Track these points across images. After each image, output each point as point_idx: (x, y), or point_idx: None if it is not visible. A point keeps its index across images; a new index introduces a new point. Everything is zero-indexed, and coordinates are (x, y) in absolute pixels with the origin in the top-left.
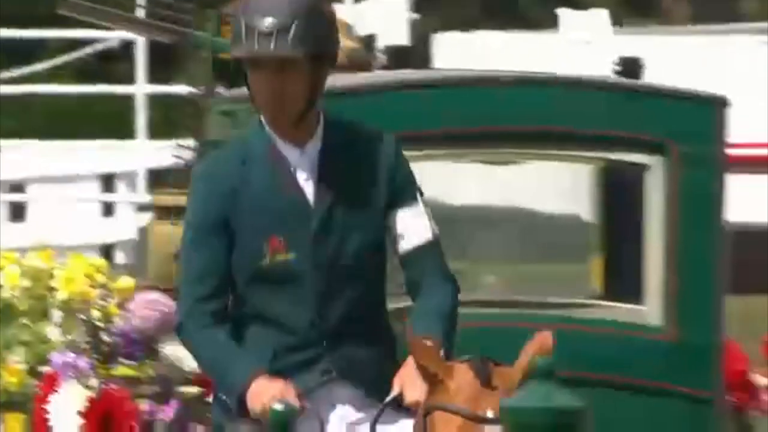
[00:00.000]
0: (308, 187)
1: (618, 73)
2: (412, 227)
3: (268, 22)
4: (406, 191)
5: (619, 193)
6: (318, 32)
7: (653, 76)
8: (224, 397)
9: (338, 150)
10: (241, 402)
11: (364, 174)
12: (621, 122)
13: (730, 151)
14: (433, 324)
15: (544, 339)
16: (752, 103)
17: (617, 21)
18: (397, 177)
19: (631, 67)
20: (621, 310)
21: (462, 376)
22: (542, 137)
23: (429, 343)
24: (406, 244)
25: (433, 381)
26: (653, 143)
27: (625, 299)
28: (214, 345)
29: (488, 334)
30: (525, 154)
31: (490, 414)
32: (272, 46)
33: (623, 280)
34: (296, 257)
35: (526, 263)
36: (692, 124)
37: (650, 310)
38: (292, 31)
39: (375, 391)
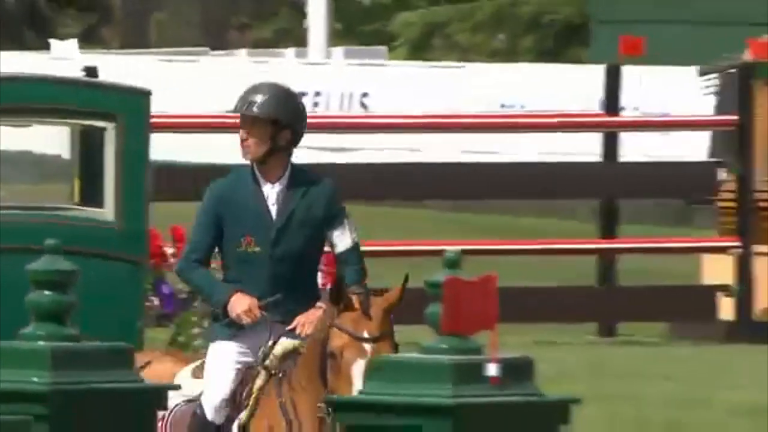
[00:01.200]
0: (273, 208)
1: (86, 75)
2: (340, 240)
3: (246, 95)
4: (336, 218)
5: (93, 143)
6: (276, 108)
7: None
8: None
9: (295, 188)
10: (225, 309)
11: (310, 205)
12: (90, 102)
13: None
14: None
15: (397, 291)
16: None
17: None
18: (332, 209)
19: (91, 72)
20: (92, 212)
21: (351, 308)
22: (37, 111)
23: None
24: (338, 249)
25: (339, 310)
26: (109, 115)
27: (94, 205)
28: (203, 276)
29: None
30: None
31: (365, 334)
32: (239, 107)
33: (93, 194)
34: (260, 251)
35: None
36: (130, 105)
37: (107, 212)
38: (257, 102)
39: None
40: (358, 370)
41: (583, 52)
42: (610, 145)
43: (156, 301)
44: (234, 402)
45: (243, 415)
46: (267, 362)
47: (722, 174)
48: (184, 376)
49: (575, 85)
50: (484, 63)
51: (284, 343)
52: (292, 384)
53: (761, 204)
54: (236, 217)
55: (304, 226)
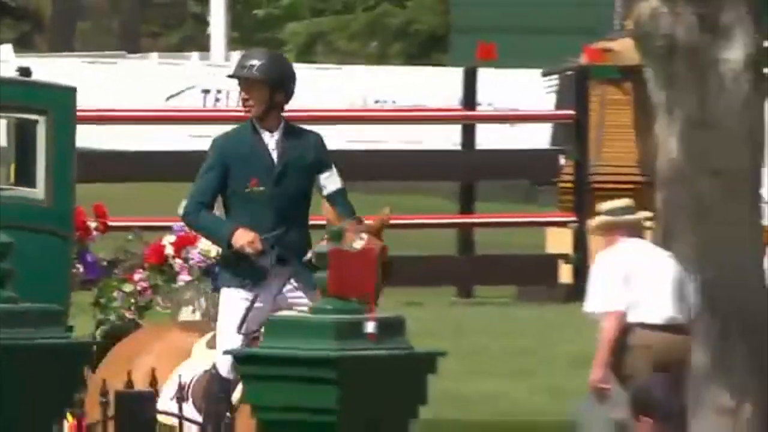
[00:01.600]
0: (273, 153)
1: (20, 75)
2: (329, 182)
3: (243, 60)
4: (324, 163)
5: (27, 133)
6: (269, 69)
7: None
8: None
9: (289, 137)
10: (229, 244)
11: (303, 151)
12: (25, 98)
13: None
14: (345, 213)
15: (386, 215)
16: None
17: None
18: (320, 156)
19: (25, 72)
20: (26, 192)
21: (349, 223)
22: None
23: (332, 215)
24: (326, 191)
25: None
26: (40, 109)
27: (28, 186)
28: (206, 218)
29: None
30: None
31: (363, 233)
32: (239, 71)
33: (27, 177)
34: (264, 190)
35: None
36: (59, 101)
37: (39, 191)
38: (262, 64)
39: (299, 258)
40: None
41: (444, 57)
42: (468, 136)
43: (81, 269)
44: None
45: None
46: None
47: (562, 160)
48: (200, 348)
49: (438, 85)
50: (360, 66)
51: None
52: None
53: (594, 185)
54: (242, 163)
55: (299, 169)
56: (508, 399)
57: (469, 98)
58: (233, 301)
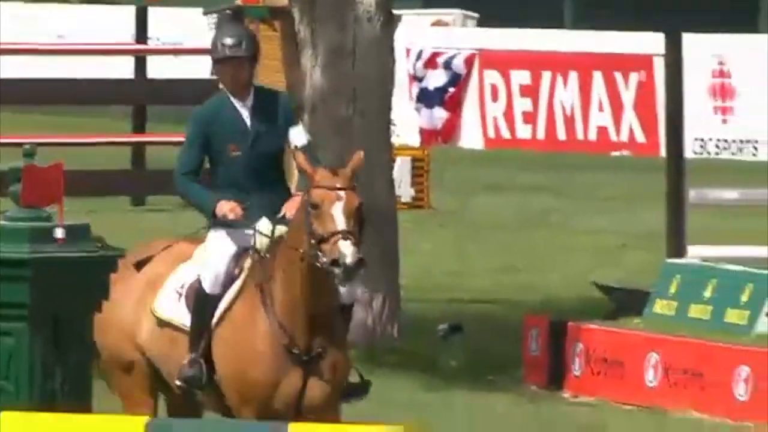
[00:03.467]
0: (247, 120)
1: None
2: (297, 138)
3: (230, 41)
4: (293, 120)
5: None
6: (252, 44)
7: None
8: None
9: (260, 102)
10: (214, 214)
11: (273, 113)
12: None
13: None
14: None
15: (359, 156)
16: None
17: None
18: (288, 114)
19: None
20: None
21: (323, 172)
22: None
23: (302, 159)
24: (296, 143)
25: (308, 176)
26: None
27: None
28: (194, 190)
29: None
30: None
31: (338, 184)
32: (234, 52)
33: None
34: (241, 154)
35: None
36: None
37: None
38: (245, 43)
39: (276, 213)
40: (337, 210)
41: None
42: (140, 66)
43: None
44: (229, 278)
45: (229, 294)
46: (257, 244)
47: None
48: (199, 252)
49: (114, 23)
50: (51, 4)
51: (271, 227)
52: (272, 273)
53: None
54: (220, 132)
55: (272, 130)
56: None
57: (141, 34)
58: (221, 233)
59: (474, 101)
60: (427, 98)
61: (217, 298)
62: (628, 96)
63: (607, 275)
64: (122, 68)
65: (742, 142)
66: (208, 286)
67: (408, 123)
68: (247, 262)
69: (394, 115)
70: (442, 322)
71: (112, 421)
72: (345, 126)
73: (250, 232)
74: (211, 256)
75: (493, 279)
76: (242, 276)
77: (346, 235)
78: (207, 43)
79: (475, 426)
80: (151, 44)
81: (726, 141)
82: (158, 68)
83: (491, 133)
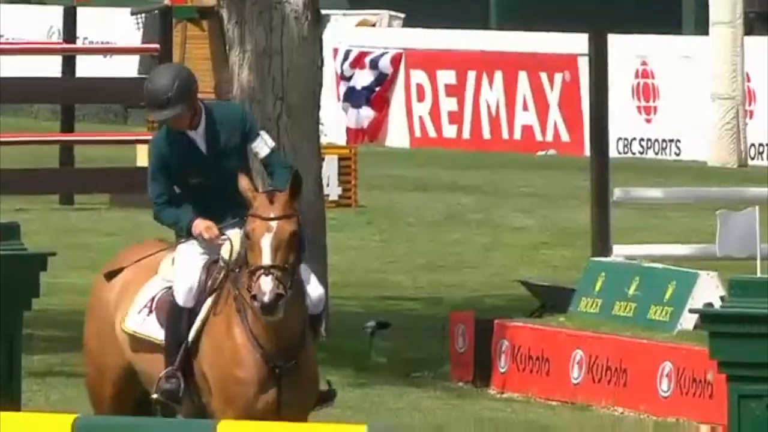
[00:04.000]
0: (202, 146)
1: None
2: (260, 148)
3: (157, 101)
4: (251, 132)
5: None
6: (186, 90)
7: None
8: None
9: (212, 123)
10: (189, 232)
11: (229, 131)
12: None
13: None
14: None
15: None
16: None
17: None
18: (246, 126)
19: None
20: None
21: (261, 198)
22: None
23: (246, 184)
24: (260, 156)
25: (249, 202)
26: None
27: None
28: (171, 213)
29: None
30: None
31: (272, 214)
32: (165, 111)
33: None
34: (202, 180)
35: None
36: None
37: None
38: (173, 98)
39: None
40: (265, 241)
41: None
42: (69, 65)
43: None
44: (201, 290)
45: (205, 308)
46: (226, 257)
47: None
48: (166, 264)
49: (41, 22)
50: None
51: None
52: (243, 286)
53: None
54: (176, 161)
55: (230, 150)
56: None
57: (69, 33)
58: (191, 246)
59: (400, 101)
60: (353, 98)
61: (191, 311)
62: (553, 96)
63: (533, 273)
64: (50, 67)
65: (665, 141)
66: (181, 300)
67: (335, 122)
68: (221, 273)
69: (322, 115)
70: (369, 319)
71: (41, 419)
72: (273, 125)
73: (222, 242)
74: (183, 269)
75: (419, 276)
76: (215, 287)
77: (268, 270)
78: (135, 43)
79: (402, 422)
80: (80, 43)
81: (649, 140)
82: (87, 67)
83: (417, 133)
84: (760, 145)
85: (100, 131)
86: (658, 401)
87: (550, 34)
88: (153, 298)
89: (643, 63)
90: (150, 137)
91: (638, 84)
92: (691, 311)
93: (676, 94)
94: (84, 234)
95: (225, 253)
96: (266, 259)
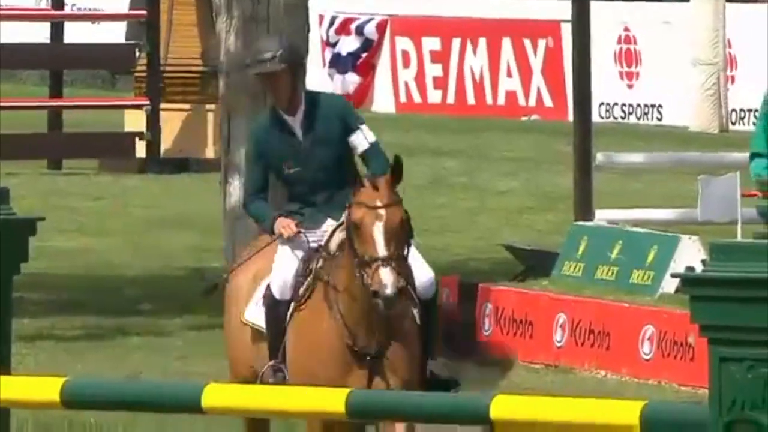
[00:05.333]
0: (298, 134)
1: None
2: (359, 142)
3: (264, 55)
4: (351, 125)
5: None
6: (294, 53)
7: None
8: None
9: (313, 111)
10: (272, 230)
11: (328, 121)
12: None
13: None
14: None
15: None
16: None
17: None
18: (346, 119)
19: None
20: None
21: (366, 187)
22: None
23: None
24: (359, 150)
25: (356, 191)
26: None
27: None
28: (257, 208)
29: None
30: None
31: (378, 202)
32: (269, 65)
33: None
34: (299, 169)
35: None
36: None
37: None
38: (279, 56)
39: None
40: (378, 231)
41: None
42: (57, 32)
43: None
44: (299, 282)
45: (298, 295)
46: (325, 244)
47: (137, 53)
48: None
49: None
50: None
51: (337, 234)
52: (338, 273)
53: (165, 74)
54: (274, 149)
55: (327, 140)
56: (95, 254)
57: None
58: (288, 244)
59: (386, 66)
60: (339, 64)
61: (287, 303)
62: (536, 61)
63: (517, 237)
64: (39, 33)
65: (647, 106)
66: (277, 293)
67: (321, 88)
68: (319, 263)
69: (308, 81)
70: None
71: (30, 383)
72: (260, 92)
73: (316, 236)
74: (280, 261)
75: None
76: (310, 277)
77: (386, 261)
78: (123, 9)
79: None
80: (68, 10)
81: (632, 106)
82: (75, 34)
83: (403, 98)
84: (741, 110)
85: (88, 97)
86: (640, 364)
87: (533, 0)
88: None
89: (626, 29)
90: (138, 102)
91: (620, 50)
92: (673, 275)
93: (658, 59)
94: (72, 198)
95: (325, 241)
96: (382, 250)
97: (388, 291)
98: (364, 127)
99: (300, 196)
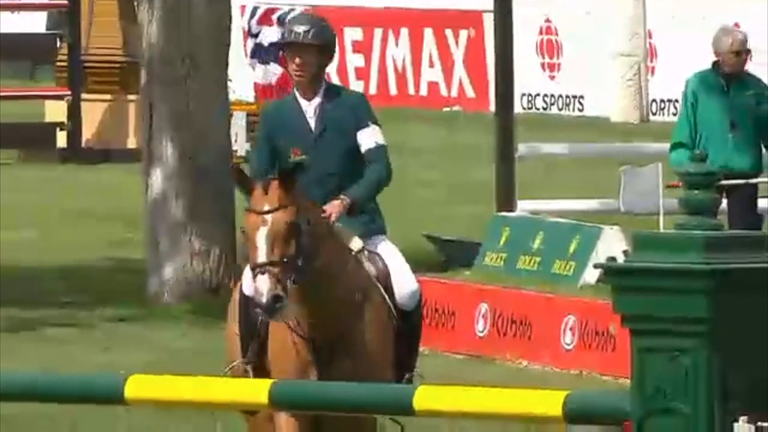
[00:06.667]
0: (311, 121)
1: None
2: (364, 141)
3: (299, 28)
4: (363, 122)
5: None
6: (323, 34)
7: None
8: None
9: (329, 101)
10: None
11: (342, 114)
12: None
13: None
14: (350, 189)
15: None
16: None
17: None
18: (359, 115)
19: None
20: None
21: (256, 190)
22: None
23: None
24: (362, 149)
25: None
26: None
27: None
28: None
29: None
30: None
31: (266, 207)
32: (300, 38)
33: None
34: (306, 158)
35: None
36: None
37: None
38: (313, 33)
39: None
40: (260, 237)
41: None
42: None
43: None
44: None
45: None
46: None
47: (58, 42)
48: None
49: None
50: None
51: None
52: None
53: (85, 65)
54: (284, 134)
55: (339, 132)
56: (14, 245)
57: None
58: None
59: None
60: (261, 54)
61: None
62: (458, 52)
63: (438, 228)
64: None
65: (569, 97)
66: (246, 289)
67: (243, 79)
68: None
69: (230, 72)
70: None
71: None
72: (182, 82)
73: None
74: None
75: None
76: None
77: (264, 268)
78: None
79: None
80: None
81: (553, 96)
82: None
83: None
84: (662, 101)
85: (9, 87)
86: (561, 354)
87: None
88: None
89: (547, 20)
90: (59, 92)
91: (542, 40)
92: (595, 266)
93: (579, 50)
94: (37, 191)
95: None
96: (261, 256)
97: (262, 299)
98: (374, 127)
99: (305, 187)
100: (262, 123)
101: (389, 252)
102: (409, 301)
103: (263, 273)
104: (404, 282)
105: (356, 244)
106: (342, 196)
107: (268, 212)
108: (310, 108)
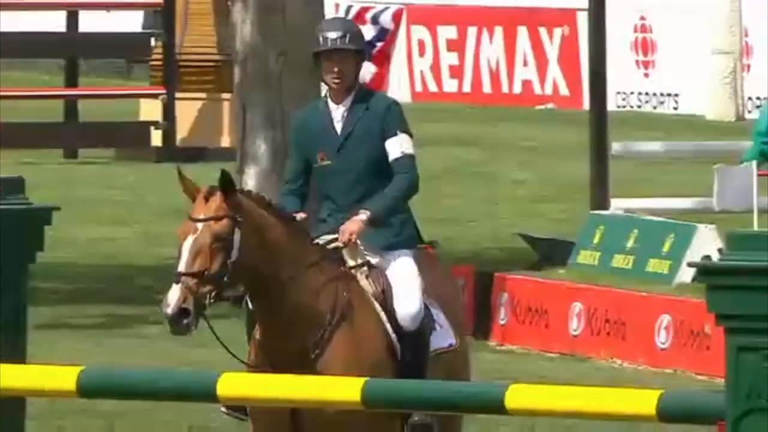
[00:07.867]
0: (338, 125)
1: None
2: (391, 149)
3: (334, 34)
4: (391, 130)
5: None
6: (358, 39)
7: None
8: None
9: (359, 106)
10: None
11: (371, 120)
12: None
13: None
14: (371, 202)
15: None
16: None
17: None
18: (388, 122)
19: None
20: None
21: (198, 196)
22: None
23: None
24: (390, 158)
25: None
26: None
27: None
28: (283, 203)
29: None
30: None
31: (201, 215)
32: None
33: None
34: (331, 163)
35: None
36: None
37: None
38: (350, 37)
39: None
40: (186, 245)
41: None
42: (72, 21)
43: None
44: None
45: None
46: None
47: (153, 41)
48: None
49: None
50: None
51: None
52: None
53: (180, 64)
54: (311, 138)
55: (366, 138)
56: (111, 243)
57: None
58: None
59: (402, 55)
60: None
61: None
62: (552, 50)
63: (533, 226)
64: (55, 23)
65: (663, 95)
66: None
67: None
68: None
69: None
70: None
71: (46, 372)
72: (275, 80)
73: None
74: None
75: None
76: None
77: (178, 278)
78: None
79: None
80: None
81: (648, 94)
82: (90, 23)
83: (418, 87)
84: (758, 98)
85: (104, 86)
86: (656, 353)
87: None
88: None
89: (642, 18)
90: (154, 91)
91: (637, 38)
92: (689, 265)
93: (675, 48)
94: (88, 188)
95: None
96: (180, 265)
97: (168, 310)
98: (403, 135)
99: (330, 197)
100: (292, 128)
101: (399, 270)
102: (410, 323)
103: (177, 283)
104: (405, 303)
105: (354, 260)
106: (362, 211)
107: (200, 221)
108: (338, 112)
